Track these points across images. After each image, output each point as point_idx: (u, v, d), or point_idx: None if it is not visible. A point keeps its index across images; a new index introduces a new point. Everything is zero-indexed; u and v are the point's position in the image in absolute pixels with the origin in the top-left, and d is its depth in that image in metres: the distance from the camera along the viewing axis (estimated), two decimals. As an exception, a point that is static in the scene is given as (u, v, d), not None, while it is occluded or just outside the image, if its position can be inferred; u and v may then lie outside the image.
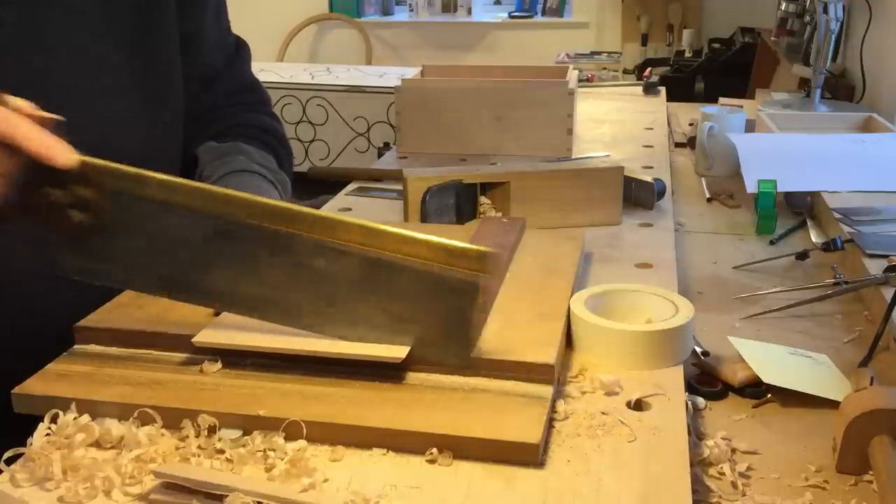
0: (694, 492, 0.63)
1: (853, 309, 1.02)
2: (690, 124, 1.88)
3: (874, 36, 2.19)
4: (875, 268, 1.03)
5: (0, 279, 0.88)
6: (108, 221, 0.72)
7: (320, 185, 1.56)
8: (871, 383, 0.78)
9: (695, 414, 0.78)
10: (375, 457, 0.65)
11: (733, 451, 0.73)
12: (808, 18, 2.35)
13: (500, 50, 4.84)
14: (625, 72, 4.01)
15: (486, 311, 0.80)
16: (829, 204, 1.27)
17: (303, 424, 0.65)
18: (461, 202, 1.15)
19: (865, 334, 0.94)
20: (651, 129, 1.82)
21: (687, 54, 4.07)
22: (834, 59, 2.20)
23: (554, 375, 0.71)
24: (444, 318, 0.71)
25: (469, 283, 0.69)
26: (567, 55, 4.14)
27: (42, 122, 0.70)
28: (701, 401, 0.80)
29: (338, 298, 0.72)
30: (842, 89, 2.26)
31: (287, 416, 0.66)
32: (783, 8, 2.64)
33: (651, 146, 1.66)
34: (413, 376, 0.72)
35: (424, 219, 1.13)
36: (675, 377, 0.77)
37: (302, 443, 0.65)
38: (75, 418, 0.67)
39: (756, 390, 0.82)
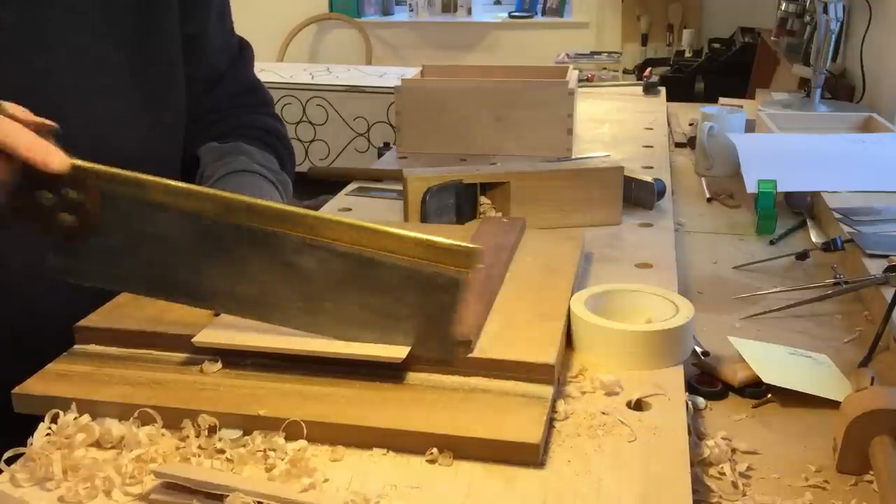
0: (694, 492, 0.63)
1: (853, 309, 1.02)
2: (690, 124, 1.88)
3: (874, 36, 2.19)
4: (875, 268, 1.03)
5: (0, 279, 0.88)
6: (98, 223, 0.73)
7: (320, 185, 1.56)
8: (872, 383, 0.78)
9: (695, 414, 0.78)
10: (375, 457, 0.65)
11: (733, 451, 0.73)
12: (808, 18, 2.35)
13: (500, 50, 4.84)
14: (625, 72, 4.01)
15: (487, 308, 0.80)
16: (829, 204, 1.27)
17: (303, 424, 0.65)
18: (461, 202, 1.15)
19: (865, 334, 0.94)
20: (651, 129, 1.82)
21: (687, 54, 4.07)
22: (834, 59, 2.20)
23: (554, 375, 0.71)
24: (429, 314, 0.71)
25: (454, 279, 0.70)
26: (567, 55, 4.15)
27: (37, 128, 0.70)
28: (701, 401, 0.80)
29: (326, 297, 0.72)
30: (842, 89, 2.26)
31: (287, 416, 0.66)
32: (783, 8, 2.64)
33: (651, 146, 1.66)
34: (413, 376, 0.72)
35: (424, 219, 1.13)
36: (675, 377, 0.77)
37: (302, 443, 0.65)
38: (75, 418, 0.67)
39: (756, 390, 0.82)
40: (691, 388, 0.81)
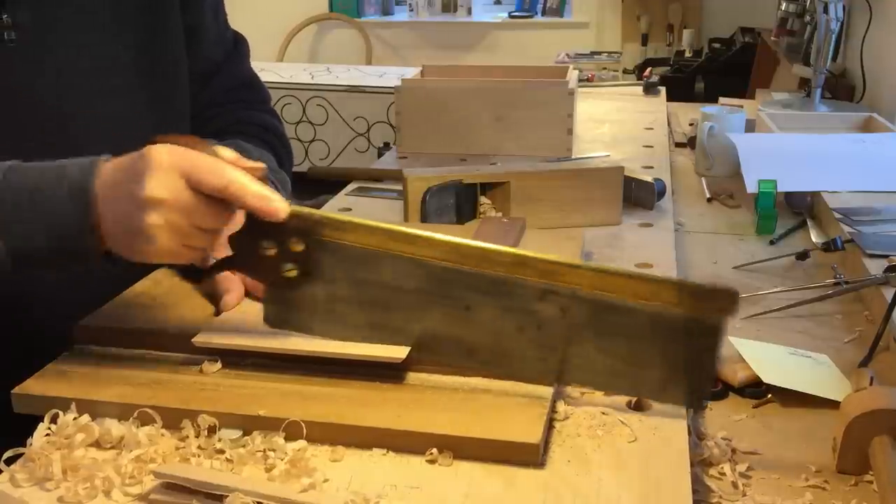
0: (694, 492, 0.63)
1: (853, 309, 1.02)
2: (690, 124, 1.88)
3: (874, 36, 2.19)
4: (875, 268, 1.02)
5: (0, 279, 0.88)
6: (319, 271, 0.70)
7: (320, 185, 1.56)
8: (872, 383, 0.78)
9: (695, 414, 0.78)
10: (375, 457, 0.65)
11: (733, 451, 0.73)
12: (808, 18, 2.35)
13: (500, 50, 4.84)
14: (625, 72, 4.00)
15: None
16: (829, 204, 1.27)
17: (303, 424, 0.65)
18: (461, 202, 1.15)
19: (865, 334, 0.94)
20: (651, 129, 1.82)
21: (687, 54, 4.07)
22: (834, 59, 2.20)
23: (554, 375, 0.71)
24: (681, 360, 0.68)
25: (713, 325, 0.67)
26: (567, 55, 4.14)
27: (248, 172, 0.68)
28: (701, 401, 0.80)
29: (566, 344, 0.69)
30: (842, 89, 2.26)
31: (287, 416, 0.66)
32: (783, 8, 2.63)
33: (651, 146, 1.66)
34: (413, 376, 0.72)
35: (424, 219, 1.13)
36: (675, 377, 0.76)
37: (302, 443, 0.65)
38: (75, 418, 0.67)
39: (756, 390, 0.82)
40: (691, 388, 0.81)
